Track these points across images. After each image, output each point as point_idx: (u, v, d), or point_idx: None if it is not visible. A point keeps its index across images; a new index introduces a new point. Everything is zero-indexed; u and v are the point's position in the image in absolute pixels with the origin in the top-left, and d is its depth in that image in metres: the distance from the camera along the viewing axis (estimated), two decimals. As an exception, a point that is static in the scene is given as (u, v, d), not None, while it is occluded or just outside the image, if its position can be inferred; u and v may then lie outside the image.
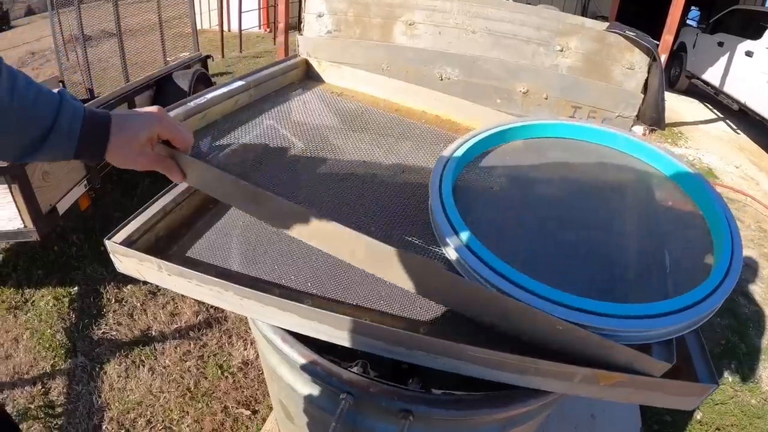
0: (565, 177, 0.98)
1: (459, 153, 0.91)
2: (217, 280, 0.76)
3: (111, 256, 0.92)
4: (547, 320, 0.65)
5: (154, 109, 0.75)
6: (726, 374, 2.43)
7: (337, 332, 0.72)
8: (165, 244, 0.95)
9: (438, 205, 0.79)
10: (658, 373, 0.69)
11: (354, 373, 0.79)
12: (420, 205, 0.89)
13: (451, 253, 0.75)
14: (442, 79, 1.36)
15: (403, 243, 0.82)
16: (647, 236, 0.85)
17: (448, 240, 0.75)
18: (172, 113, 0.97)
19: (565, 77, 1.31)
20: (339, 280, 0.85)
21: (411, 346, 0.69)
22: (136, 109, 0.74)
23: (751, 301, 3.00)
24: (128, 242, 0.89)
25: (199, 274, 0.77)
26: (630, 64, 1.33)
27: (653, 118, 1.40)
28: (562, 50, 1.32)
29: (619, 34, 1.31)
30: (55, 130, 0.61)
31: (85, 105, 0.69)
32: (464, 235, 0.74)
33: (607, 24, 1.45)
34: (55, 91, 0.63)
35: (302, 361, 0.80)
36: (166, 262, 0.82)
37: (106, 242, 0.89)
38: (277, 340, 0.82)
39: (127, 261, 0.90)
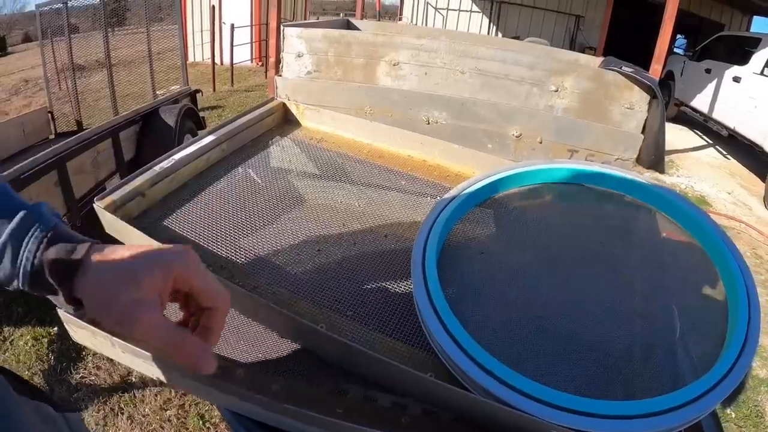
0: (562, 236, 0.90)
1: (443, 217, 0.83)
2: (173, 364, 0.67)
3: (65, 325, 0.83)
4: (540, 426, 0.58)
5: (177, 247, 0.48)
6: (729, 410, 2.33)
7: (306, 428, 0.63)
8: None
9: (422, 291, 0.72)
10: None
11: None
12: (403, 274, 0.83)
13: (434, 343, 0.68)
14: (429, 123, 1.29)
15: (382, 327, 0.76)
16: (655, 309, 0.78)
17: (431, 329, 0.68)
18: (136, 180, 0.89)
19: (560, 119, 1.24)
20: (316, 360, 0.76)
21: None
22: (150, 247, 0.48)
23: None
24: (83, 313, 0.80)
25: (153, 355, 0.68)
26: (629, 103, 1.27)
27: (652, 160, 1.33)
28: (557, 90, 1.25)
29: (618, 72, 1.25)
30: None
31: (59, 228, 0.47)
32: (448, 325, 0.67)
33: (601, 59, 1.39)
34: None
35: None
36: (119, 340, 0.73)
37: (60, 313, 0.80)
38: (241, 430, 0.72)
39: (81, 332, 0.81)
